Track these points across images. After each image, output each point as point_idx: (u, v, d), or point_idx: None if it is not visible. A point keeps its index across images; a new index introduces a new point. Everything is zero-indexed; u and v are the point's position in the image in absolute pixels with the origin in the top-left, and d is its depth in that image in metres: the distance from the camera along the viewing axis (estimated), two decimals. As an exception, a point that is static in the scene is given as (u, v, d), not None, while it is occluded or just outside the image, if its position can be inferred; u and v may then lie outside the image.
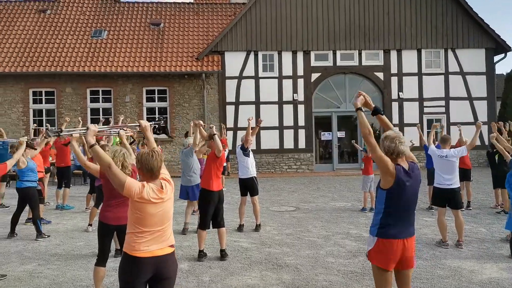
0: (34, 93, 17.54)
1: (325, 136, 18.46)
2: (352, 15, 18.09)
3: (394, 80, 18.38)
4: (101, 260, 4.78)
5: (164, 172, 3.40)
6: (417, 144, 10.93)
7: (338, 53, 18.15)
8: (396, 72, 18.39)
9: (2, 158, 8.19)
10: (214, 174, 6.38)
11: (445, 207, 6.94)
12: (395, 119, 18.02)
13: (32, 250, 6.96)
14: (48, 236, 7.69)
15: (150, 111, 17.87)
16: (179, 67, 17.43)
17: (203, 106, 17.64)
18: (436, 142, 8.70)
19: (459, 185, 7.13)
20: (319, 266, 5.99)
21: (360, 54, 18.23)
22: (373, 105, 3.79)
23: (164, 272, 3.25)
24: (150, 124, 3.66)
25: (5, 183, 11.13)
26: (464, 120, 17.17)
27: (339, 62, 18.19)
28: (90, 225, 8.17)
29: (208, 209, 6.35)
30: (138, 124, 3.70)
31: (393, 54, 18.38)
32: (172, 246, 3.37)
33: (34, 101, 17.55)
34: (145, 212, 3.19)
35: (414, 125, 18.04)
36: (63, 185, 10.47)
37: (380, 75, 18.35)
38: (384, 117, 3.92)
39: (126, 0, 20.90)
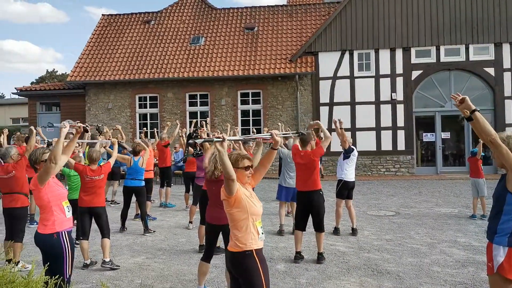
0: (140, 99, 18.90)
1: (428, 137, 17.35)
2: (458, 6, 16.80)
3: (507, 76, 16.72)
4: (206, 256, 4.90)
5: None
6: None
7: (442, 48, 16.98)
8: (510, 66, 16.71)
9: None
10: (297, 174, 6.39)
11: None
12: (509, 118, 16.41)
13: (141, 244, 7.45)
14: (154, 231, 8.19)
15: (244, 113, 18.29)
16: (272, 69, 17.61)
17: (296, 108, 17.62)
18: None
19: None
20: (423, 275, 5.63)
21: (467, 48, 16.87)
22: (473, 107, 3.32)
23: (232, 269, 3.43)
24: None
25: (117, 181, 12.06)
26: None
27: (443, 58, 16.99)
28: (190, 222, 8.53)
29: (299, 209, 6.32)
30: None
31: (506, 48, 16.72)
32: (238, 248, 3.35)
33: (140, 106, 18.92)
34: None
35: (531, 124, 16.43)
36: (165, 184, 11.12)
37: (491, 70, 16.80)
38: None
39: (221, 6, 21.69)
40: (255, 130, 13.64)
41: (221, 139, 3.28)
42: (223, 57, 18.48)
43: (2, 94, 60.30)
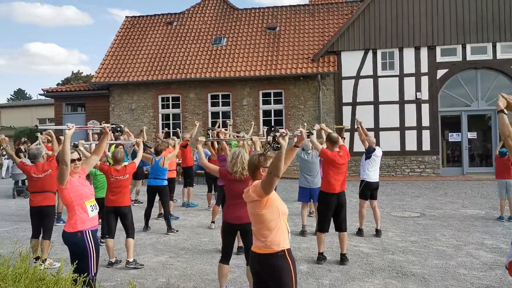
0: (162, 99, 19.09)
1: (453, 137, 16.99)
2: (484, 3, 16.40)
3: (536, 75, 16.24)
4: (225, 257, 4.88)
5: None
6: None
7: (468, 46, 16.60)
8: (539, 65, 16.22)
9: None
10: (332, 176, 6.23)
11: None
12: (538, 118, 15.86)
13: (164, 243, 7.53)
14: (177, 231, 8.26)
15: (266, 113, 18.27)
16: (294, 69, 17.54)
17: (318, 108, 17.51)
18: None
19: None
20: (449, 277, 5.52)
21: (494, 46, 16.42)
22: None
23: (261, 270, 3.33)
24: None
25: (141, 180, 12.20)
26: None
27: (469, 57, 16.60)
28: (213, 222, 8.57)
29: (327, 212, 6.24)
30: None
31: (535, 45, 16.24)
32: (269, 249, 3.30)
33: (162, 106, 19.11)
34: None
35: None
36: (187, 184, 11.18)
37: (519, 69, 16.35)
38: None
39: (243, 7, 21.72)
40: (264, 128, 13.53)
41: (285, 133, 3.26)
42: (245, 57, 18.51)
43: (29, 95, 61.90)
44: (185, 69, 18.51)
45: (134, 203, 11.22)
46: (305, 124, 11.35)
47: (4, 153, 12.72)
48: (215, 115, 18.46)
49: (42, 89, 21.00)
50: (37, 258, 6.01)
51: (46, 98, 25.10)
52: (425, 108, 16.83)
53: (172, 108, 19.01)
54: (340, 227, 6.27)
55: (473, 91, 16.78)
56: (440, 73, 16.81)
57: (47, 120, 37.08)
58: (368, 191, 7.86)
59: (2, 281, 2.23)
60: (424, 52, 16.90)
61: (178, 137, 11.58)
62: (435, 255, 6.49)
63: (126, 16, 22.37)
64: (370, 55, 17.24)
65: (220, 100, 18.63)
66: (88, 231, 4.08)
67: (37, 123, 36.42)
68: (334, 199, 6.19)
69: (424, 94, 16.83)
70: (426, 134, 16.83)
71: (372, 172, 7.82)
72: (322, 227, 6.28)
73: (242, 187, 4.75)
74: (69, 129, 4.02)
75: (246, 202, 3.44)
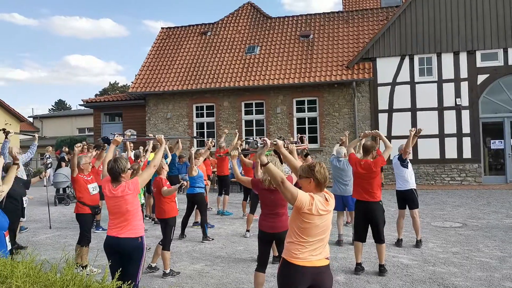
0: (197, 108, 19.34)
1: (496, 144, 16.33)
2: (527, 5, 15.80)
3: None
4: (261, 265, 4.87)
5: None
6: None
7: (510, 51, 15.98)
8: None
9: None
10: (358, 184, 6.18)
11: None
12: None
13: (200, 251, 7.56)
14: (212, 239, 8.29)
15: (300, 121, 18.16)
16: (328, 76, 17.39)
17: (353, 115, 17.26)
18: None
19: None
20: (495, 291, 5.26)
21: (537, 50, 15.78)
22: None
23: (321, 283, 3.28)
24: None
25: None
26: None
27: (512, 61, 16.02)
28: (248, 230, 8.55)
29: (359, 219, 6.14)
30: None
31: None
32: (327, 258, 3.39)
33: (197, 115, 19.35)
34: (312, 223, 3.27)
35: None
36: (223, 192, 11.23)
37: None
38: None
39: (276, 15, 21.77)
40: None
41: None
42: (278, 66, 18.51)
43: (69, 105, 64.23)
44: (219, 78, 18.70)
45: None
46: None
47: (48, 162, 13.20)
48: (249, 123, 18.52)
49: (82, 100, 21.71)
50: (80, 265, 6.16)
51: (85, 108, 25.92)
52: (465, 114, 16.29)
53: (206, 116, 19.21)
54: (377, 238, 6.11)
55: (516, 96, 16.13)
56: (481, 78, 16.25)
57: (86, 129, 38.30)
58: (399, 200, 7.78)
59: (50, 288, 2.29)
60: (463, 57, 16.40)
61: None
62: (479, 267, 6.24)
63: (161, 28, 22.86)
64: (406, 61, 16.89)
65: (254, 108, 18.68)
66: (144, 236, 4.25)
67: (76, 133, 37.68)
68: (361, 207, 6.11)
69: (464, 100, 16.30)
70: (466, 141, 16.26)
71: (399, 180, 7.75)
72: (358, 236, 6.17)
73: (273, 196, 4.78)
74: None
75: (314, 215, 3.27)
